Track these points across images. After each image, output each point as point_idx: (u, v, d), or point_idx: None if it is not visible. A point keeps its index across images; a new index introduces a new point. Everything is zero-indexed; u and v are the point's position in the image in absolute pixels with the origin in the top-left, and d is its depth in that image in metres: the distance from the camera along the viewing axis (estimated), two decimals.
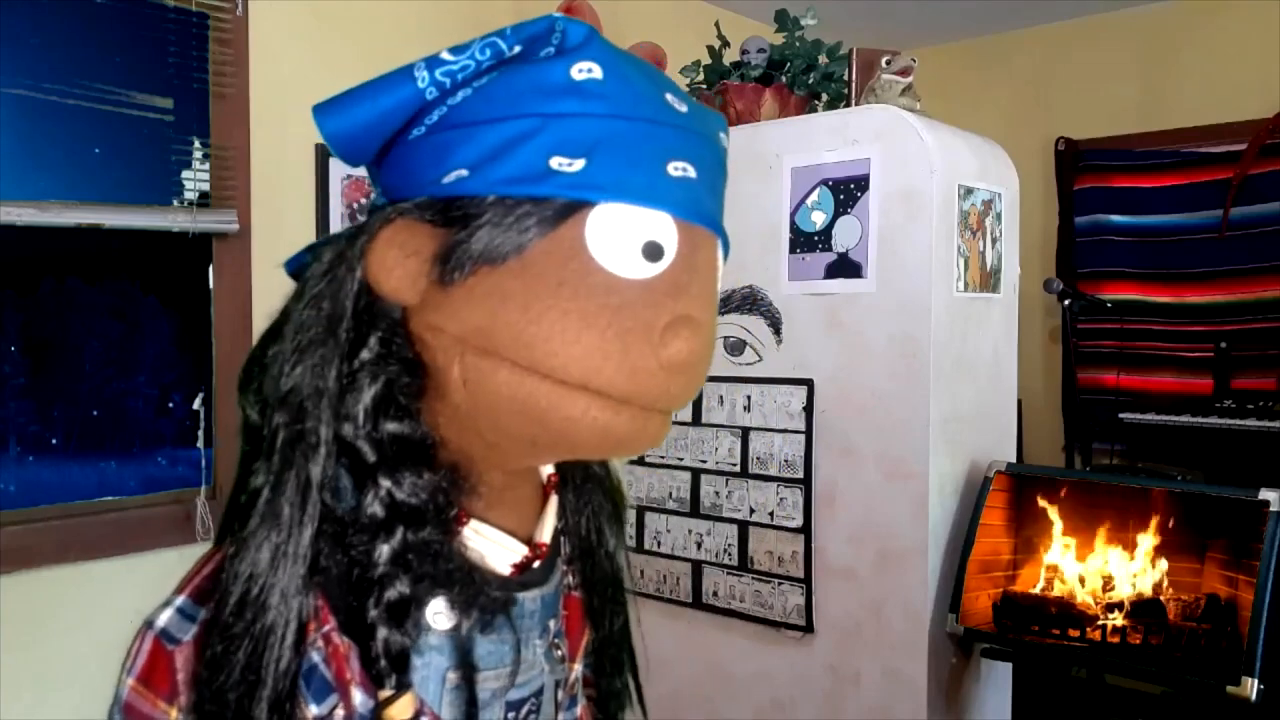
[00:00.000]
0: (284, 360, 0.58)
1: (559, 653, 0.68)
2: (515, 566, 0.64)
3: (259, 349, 0.62)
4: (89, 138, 2.27)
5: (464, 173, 0.56)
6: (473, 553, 0.62)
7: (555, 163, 0.55)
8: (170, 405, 2.52)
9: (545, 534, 0.67)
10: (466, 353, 0.57)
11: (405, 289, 0.58)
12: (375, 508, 0.57)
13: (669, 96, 0.59)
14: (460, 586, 0.59)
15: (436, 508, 0.59)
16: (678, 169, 0.57)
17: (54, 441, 2.34)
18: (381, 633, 0.56)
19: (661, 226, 0.56)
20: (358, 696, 0.56)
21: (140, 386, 2.50)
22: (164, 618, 0.58)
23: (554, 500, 0.69)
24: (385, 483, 0.58)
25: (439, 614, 0.59)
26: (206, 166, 2.34)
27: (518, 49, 0.58)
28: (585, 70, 0.56)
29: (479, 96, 0.58)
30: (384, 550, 0.57)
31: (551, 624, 0.67)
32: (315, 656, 0.56)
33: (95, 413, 2.43)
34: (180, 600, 0.58)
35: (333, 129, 0.61)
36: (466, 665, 0.60)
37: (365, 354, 0.59)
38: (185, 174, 2.32)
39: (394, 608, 0.57)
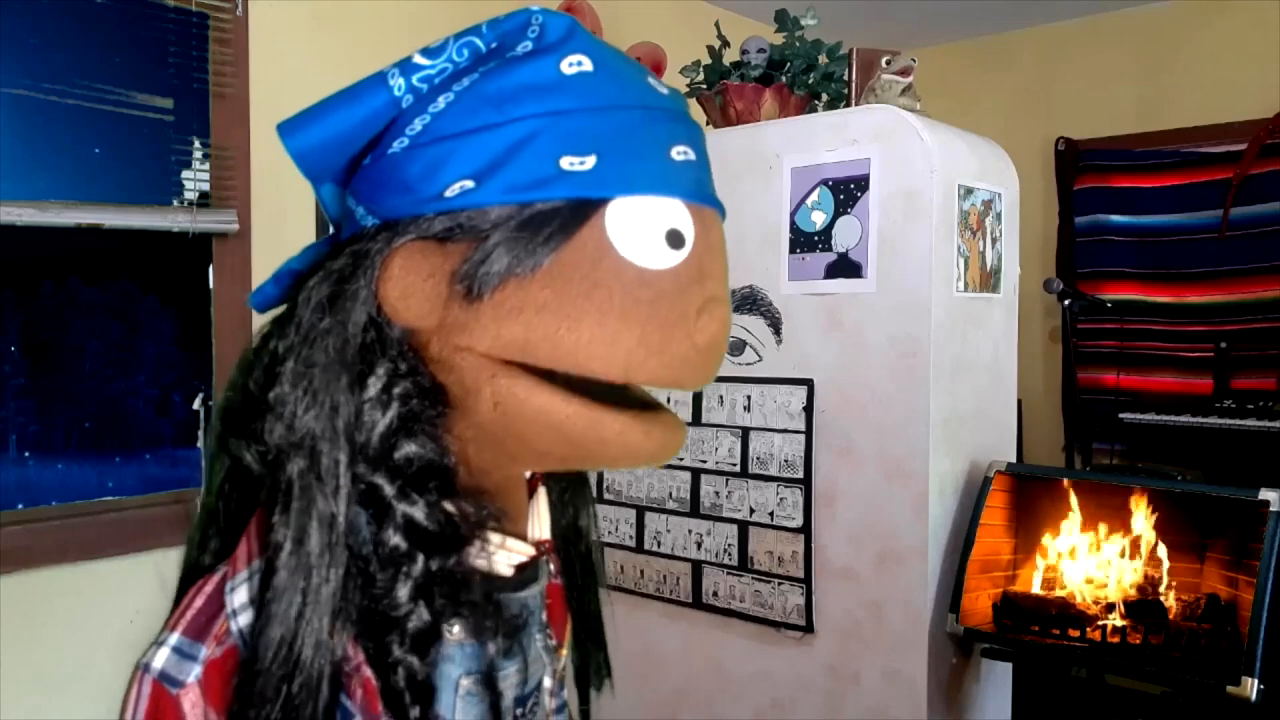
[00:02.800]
0: (294, 403, 0.54)
1: (552, 642, 0.69)
2: (516, 567, 0.63)
3: (247, 392, 0.58)
4: (89, 138, 2.27)
5: (469, 184, 0.54)
6: (482, 562, 0.61)
7: (566, 163, 0.54)
8: (170, 405, 2.52)
9: (544, 530, 0.68)
10: (499, 374, 0.56)
11: (427, 314, 0.56)
12: (396, 538, 0.55)
13: (650, 81, 0.59)
14: (480, 612, 0.59)
15: (456, 532, 0.57)
16: (680, 153, 0.57)
17: (54, 441, 2.34)
18: (405, 663, 0.55)
19: (677, 213, 0.57)
20: None
21: (140, 386, 2.50)
22: (160, 659, 0.55)
23: (543, 494, 0.69)
24: (403, 508, 0.55)
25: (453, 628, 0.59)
26: (206, 166, 2.34)
27: (494, 45, 0.57)
28: (575, 64, 0.55)
29: (465, 101, 0.55)
30: (406, 583, 0.55)
31: (543, 616, 0.68)
32: (345, 701, 0.54)
33: (95, 413, 2.43)
34: (174, 638, 0.55)
35: (301, 146, 0.58)
36: (492, 688, 0.60)
37: (374, 385, 0.56)
38: (185, 174, 2.32)
39: (417, 639, 0.55)
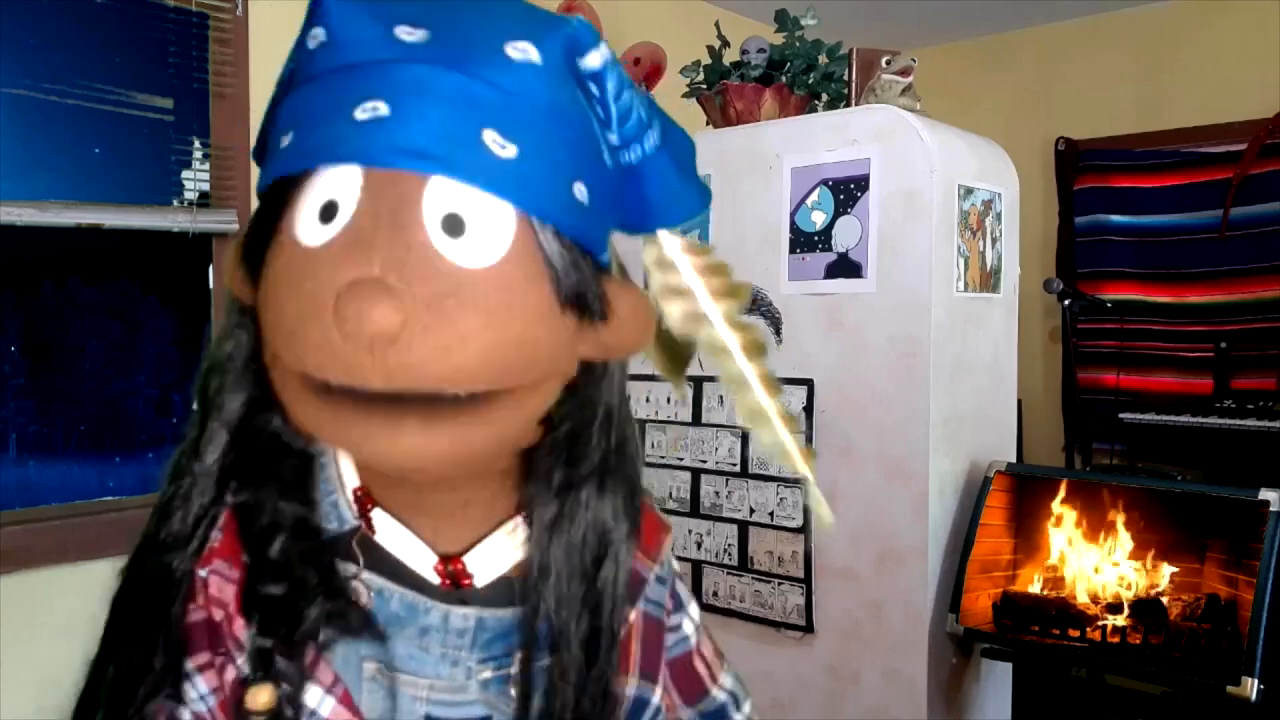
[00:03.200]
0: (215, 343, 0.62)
1: (516, 691, 0.62)
2: (444, 577, 0.61)
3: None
4: (89, 138, 2.27)
5: (262, 172, 0.57)
6: (389, 553, 0.61)
7: (280, 142, 0.53)
8: (170, 405, 2.52)
9: (481, 554, 0.62)
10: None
11: (241, 293, 0.58)
12: (268, 504, 0.59)
13: (400, 29, 0.52)
14: (336, 603, 0.58)
15: (308, 522, 0.59)
16: (365, 111, 0.50)
17: (54, 441, 2.34)
18: (253, 629, 0.56)
19: (343, 181, 0.50)
20: (230, 669, 0.57)
21: (140, 386, 2.50)
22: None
23: (513, 524, 0.63)
24: (273, 486, 0.59)
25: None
26: (206, 166, 2.34)
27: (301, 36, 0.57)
28: (315, 38, 0.54)
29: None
30: (273, 550, 0.58)
31: (517, 657, 0.62)
32: (199, 615, 0.58)
33: (95, 413, 2.43)
34: None
35: (258, 159, 0.62)
36: (301, 665, 0.58)
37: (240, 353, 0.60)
38: (185, 174, 2.32)
39: (268, 605, 0.57)
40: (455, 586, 0.61)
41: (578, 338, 0.56)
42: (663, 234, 0.63)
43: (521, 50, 0.52)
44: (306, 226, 0.51)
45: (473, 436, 0.52)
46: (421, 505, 0.61)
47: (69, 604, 2.11)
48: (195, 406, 0.61)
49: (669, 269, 0.63)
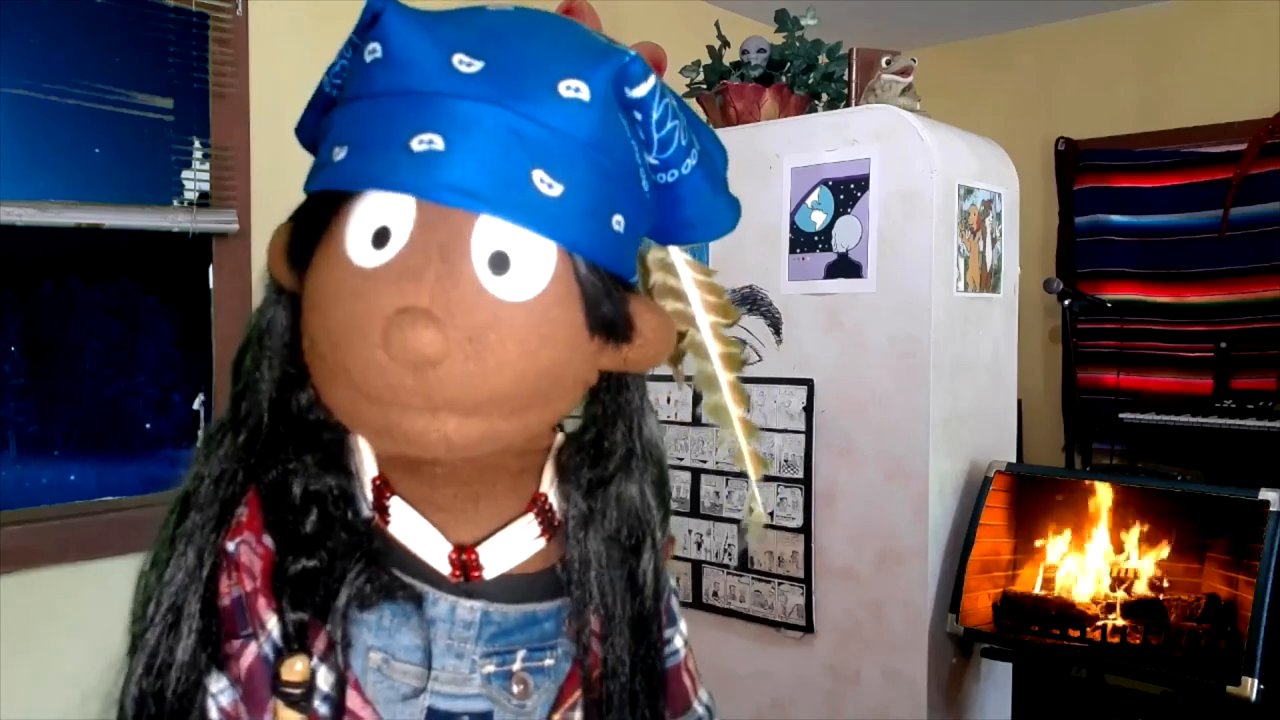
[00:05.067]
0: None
1: (519, 687, 0.63)
2: (455, 569, 0.62)
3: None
4: (89, 138, 2.27)
5: (312, 172, 0.59)
6: (401, 544, 0.62)
7: (333, 153, 0.55)
8: (170, 405, 2.52)
9: (495, 546, 0.63)
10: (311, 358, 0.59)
11: (280, 275, 0.61)
12: (302, 480, 0.60)
13: (457, 58, 0.53)
14: (369, 563, 0.60)
15: (347, 496, 0.61)
16: (422, 143, 0.52)
17: (54, 441, 2.34)
18: (285, 602, 0.58)
19: (396, 209, 0.53)
20: (272, 626, 0.59)
21: (140, 386, 2.50)
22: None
23: (529, 518, 0.64)
24: (309, 461, 0.61)
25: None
26: (206, 166, 2.34)
27: (355, 36, 0.58)
28: (372, 52, 0.55)
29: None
30: (308, 524, 0.59)
31: (520, 654, 0.63)
32: (234, 592, 0.59)
33: (95, 413, 2.43)
34: None
35: (300, 137, 0.65)
36: (344, 629, 0.59)
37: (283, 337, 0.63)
38: (185, 174, 2.32)
39: (301, 579, 0.58)
40: (464, 579, 0.62)
41: (602, 355, 0.60)
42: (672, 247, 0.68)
43: (573, 89, 0.54)
44: (358, 247, 0.54)
45: (502, 430, 0.56)
46: (434, 499, 0.62)
47: (69, 604, 2.11)
48: (231, 381, 0.63)
49: (670, 272, 0.68)
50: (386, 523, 0.62)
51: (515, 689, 0.63)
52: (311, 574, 0.58)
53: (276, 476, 0.61)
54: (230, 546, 0.59)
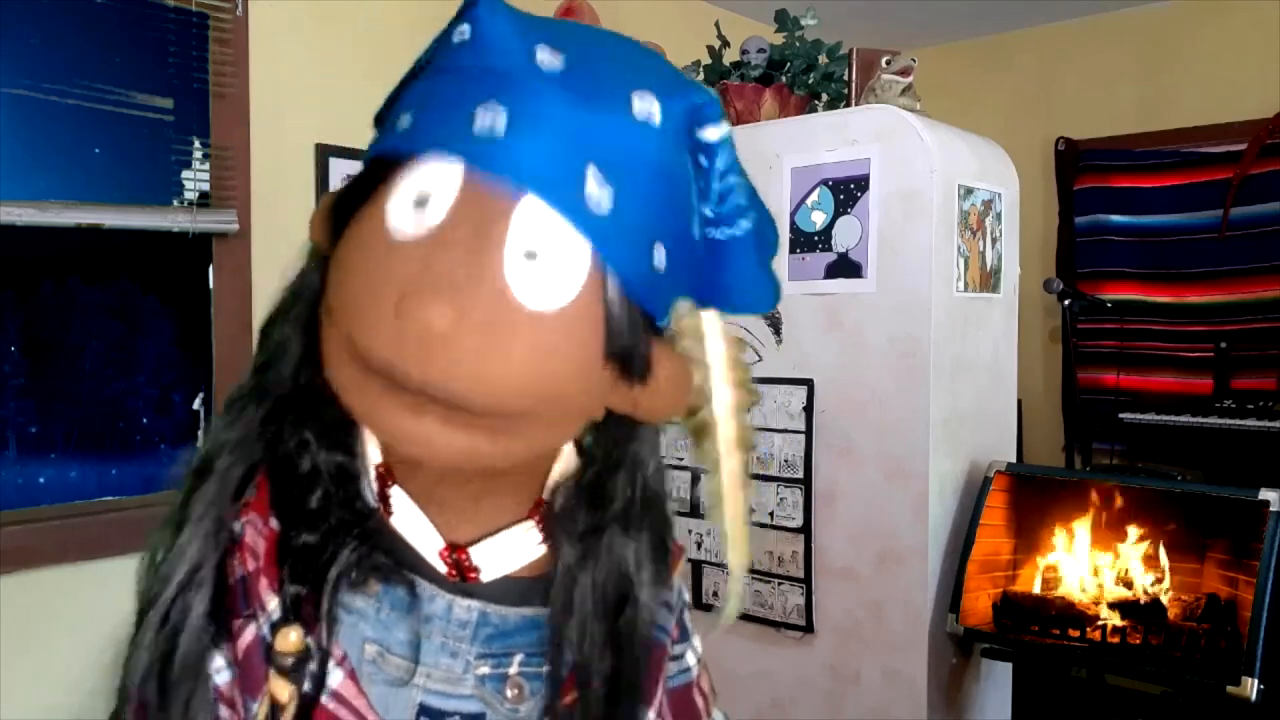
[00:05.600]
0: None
1: (513, 692, 0.62)
2: (448, 565, 0.61)
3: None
4: (89, 138, 2.27)
5: (375, 140, 0.58)
6: (401, 536, 0.61)
7: (399, 121, 0.54)
8: (170, 405, 2.52)
9: (490, 547, 0.62)
10: (328, 331, 0.57)
11: (319, 239, 0.59)
12: (308, 459, 0.60)
13: (541, 51, 0.52)
14: (362, 542, 0.59)
15: (351, 477, 0.60)
16: (486, 116, 0.51)
17: (54, 441, 2.34)
18: (285, 574, 0.57)
19: (442, 176, 0.52)
20: (273, 608, 0.58)
21: (140, 386, 2.50)
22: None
23: (524, 527, 0.63)
24: (316, 441, 0.60)
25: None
26: (206, 166, 2.34)
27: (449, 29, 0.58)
28: (460, 34, 0.55)
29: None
30: (313, 501, 0.59)
31: (518, 658, 0.63)
32: (240, 570, 0.59)
33: (95, 413, 2.43)
34: None
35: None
36: (330, 604, 0.58)
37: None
38: (185, 174, 2.32)
39: (302, 554, 0.58)
40: (461, 579, 0.62)
41: (611, 390, 0.57)
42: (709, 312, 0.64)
43: (645, 103, 0.53)
44: (398, 211, 0.52)
45: (482, 448, 0.53)
46: (433, 495, 0.61)
47: (69, 604, 2.11)
48: (258, 349, 0.62)
49: (698, 341, 0.64)
50: (389, 513, 0.62)
51: (510, 693, 0.62)
52: (311, 549, 0.58)
53: (289, 450, 0.60)
54: (236, 527, 0.59)
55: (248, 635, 0.58)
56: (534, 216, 0.51)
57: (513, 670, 0.63)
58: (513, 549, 0.63)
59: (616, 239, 0.52)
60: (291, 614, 0.57)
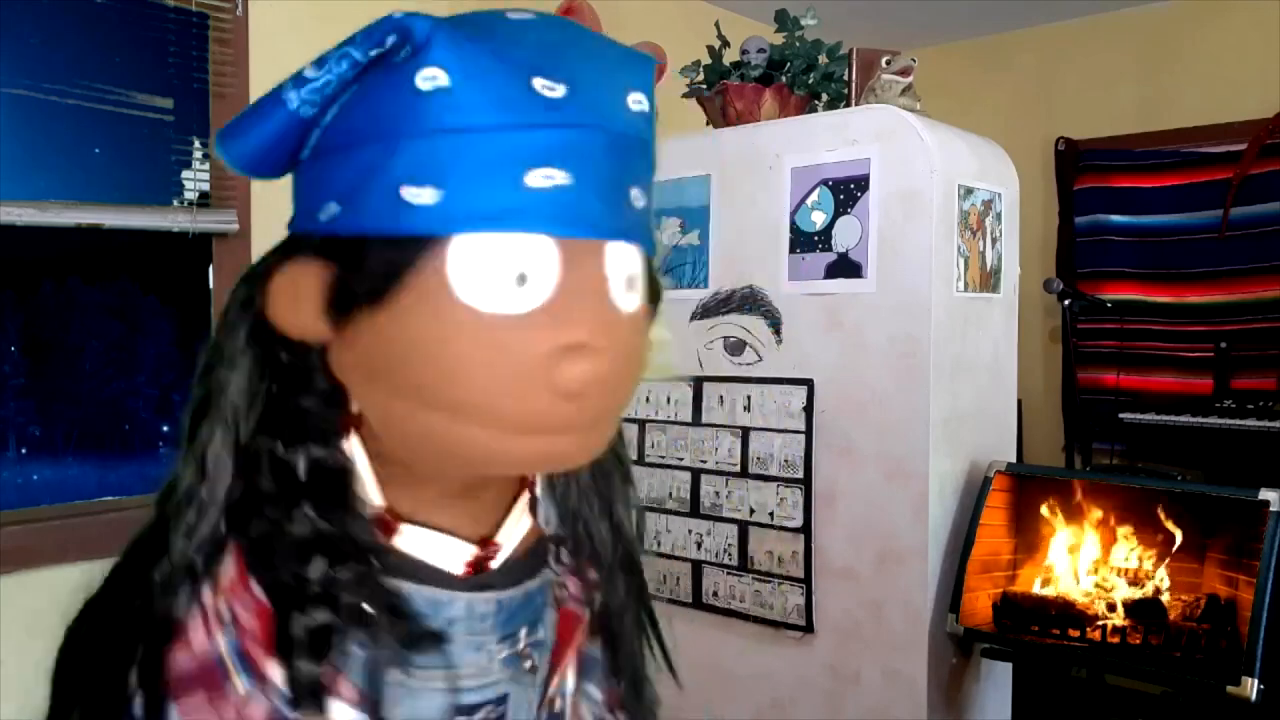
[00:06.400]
0: (207, 369, 0.62)
1: (528, 663, 0.65)
2: (469, 566, 0.62)
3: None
4: (89, 138, 2.27)
5: (335, 209, 0.54)
6: (410, 556, 0.60)
7: (406, 194, 0.51)
8: (170, 405, 2.52)
9: (506, 534, 0.65)
10: (362, 383, 0.57)
11: (309, 331, 0.57)
12: (302, 528, 0.58)
13: (537, 82, 0.51)
14: (385, 620, 0.58)
15: (354, 540, 0.58)
16: (544, 178, 0.51)
17: (54, 441, 2.34)
18: (298, 661, 0.55)
19: (531, 249, 0.52)
20: (279, 682, 0.56)
21: (140, 386, 2.51)
22: None
23: (524, 500, 0.67)
24: (308, 509, 0.58)
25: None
26: (206, 166, 2.34)
27: (374, 54, 0.54)
28: (430, 79, 0.51)
29: (342, 115, 0.55)
30: (314, 571, 0.57)
31: (523, 632, 0.65)
32: (227, 641, 0.56)
33: (95, 413, 2.43)
34: None
35: (233, 156, 0.60)
36: (374, 692, 0.57)
37: (274, 385, 0.60)
38: (185, 174, 2.32)
39: (314, 635, 0.56)
40: (476, 572, 0.63)
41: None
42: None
43: (639, 102, 0.56)
44: (493, 292, 0.52)
45: (597, 445, 0.60)
46: (442, 504, 0.62)
47: (69, 604, 2.11)
48: (187, 444, 0.60)
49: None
50: (392, 541, 0.61)
51: (525, 665, 0.65)
52: (325, 630, 0.56)
53: (270, 527, 0.58)
54: (221, 604, 0.57)
55: (258, 712, 0.56)
56: (618, 252, 0.55)
57: (521, 645, 0.65)
58: (517, 528, 0.66)
59: (650, 231, 0.59)
60: (313, 703, 0.56)
